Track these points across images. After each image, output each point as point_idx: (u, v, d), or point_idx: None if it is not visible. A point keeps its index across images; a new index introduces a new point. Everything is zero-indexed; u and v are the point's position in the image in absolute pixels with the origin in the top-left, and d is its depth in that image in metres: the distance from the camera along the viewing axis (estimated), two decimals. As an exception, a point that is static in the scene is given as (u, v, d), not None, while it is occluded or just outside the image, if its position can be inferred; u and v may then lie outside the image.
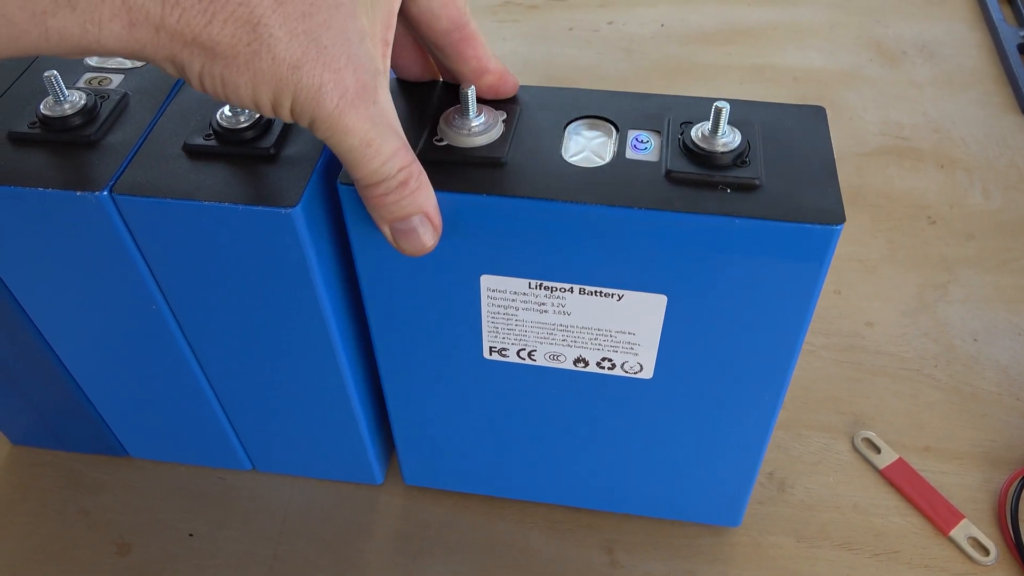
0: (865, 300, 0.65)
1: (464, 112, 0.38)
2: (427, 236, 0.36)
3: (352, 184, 0.37)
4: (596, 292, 0.39)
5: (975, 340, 0.62)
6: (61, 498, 0.56)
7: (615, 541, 0.52)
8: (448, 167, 0.37)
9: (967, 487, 0.54)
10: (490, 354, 0.43)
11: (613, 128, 0.39)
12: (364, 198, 0.35)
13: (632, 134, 0.39)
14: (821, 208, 0.35)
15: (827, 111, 0.40)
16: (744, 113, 0.39)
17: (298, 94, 0.30)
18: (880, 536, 0.52)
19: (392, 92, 0.41)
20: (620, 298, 0.39)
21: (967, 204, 0.72)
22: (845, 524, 0.53)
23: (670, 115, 0.39)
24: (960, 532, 0.52)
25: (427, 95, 0.41)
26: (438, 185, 0.36)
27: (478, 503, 0.55)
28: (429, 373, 0.45)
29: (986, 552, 0.51)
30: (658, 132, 0.38)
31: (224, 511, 0.55)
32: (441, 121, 0.39)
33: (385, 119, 0.32)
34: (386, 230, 0.36)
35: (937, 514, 0.53)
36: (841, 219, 0.34)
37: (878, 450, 0.56)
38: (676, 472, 0.49)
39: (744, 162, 0.36)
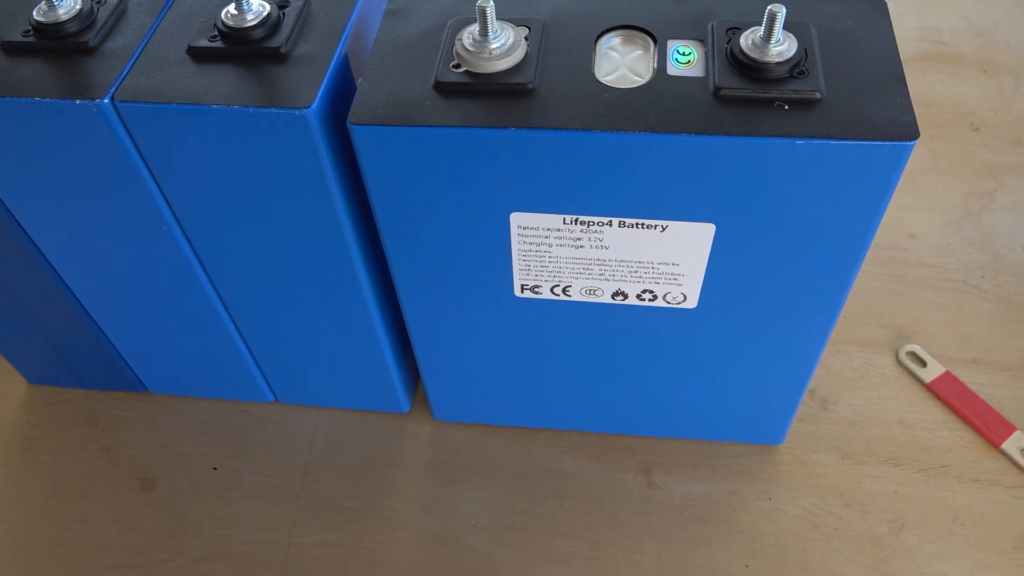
0: (906, 211, 0.62)
1: (483, 31, 0.33)
2: None
3: (366, 124, 0.33)
4: (637, 224, 0.36)
5: (1024, 249, 0.60)
6: (81, 435, 0.55)
7: (652, 463, 0.51)
8: (470, 97, 0.33)
9: (1019, 399, 0.52)
10: (522, 292, 0.41)
11: (650, 40, 0.35)
12: None
13: (672, 45, 0.34)
14: (891, 121, 0.31)
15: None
16: (795, 13, 0.35)
17: None
18: (928, 451, 0.50)
19: (398, 9, 0.37)
20: (664, 229, 0.36)
21: (1013, 109, 0.68)
22: (891, 440, 0.51)
23: (713, 20, 0.35)
24: (1012, 444, 0.50)
25: (437, 11, 0.37)
26: (460, 119, 0.33)
27: (509, 428, 0.53)
28: (456, 312, 0.43)
29: (1040, 464, 0.49)
30: (701, 41, 0.34)
31: (248, 444, 0.53)
32: (457, 44, 0.34)
33: None
34: None
35: (988, 427, 0.51)
36: (914, 134, 0.31)
37: (924, 364, 0.54)
38: (720, 396, 0.47)
39: (801, 72, 0.32)
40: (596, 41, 0.35)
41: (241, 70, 0.36)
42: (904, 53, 0.73)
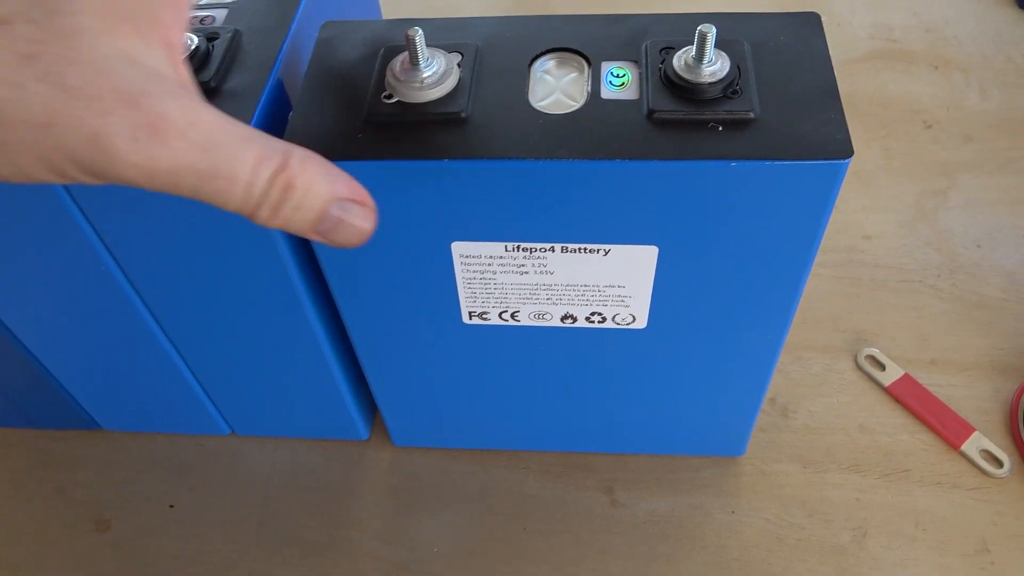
0: (862, 213, 0.62)
1: (413, 60, 0.33)
2: (360, 220, 0.28)
3: None
4: (580, 249, 0.35)
5: (978, 246, 0.60)
6: (35, 478, 0.53)
7: (614, 480, 0.50)
8: (401, 129, 0.33)
9: (977, 399, 0.52)
10: (470, 319, 0.40)
11: (584, 62, 0.35)
12: (261, 224, 0.27)
13: (606, 68, 0.34)
14: (825, 139, 0.31)
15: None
16: (729, 30, 0.35)
17: (75, 155, 0.22)
18: (889, 455, 0.50)
19: (330, 39, 0.37)
20: (607, 253, 0.36)
21: (964, 105, 0.68)
22: (852, 446, 0.51)
23: (647, 41, 0.35)
24: (972, 445, 0.50)
25: (369, 40, 0.36)
26: (393, 152, 0.32)
27: (469, 452, 0.52)
28: (406, 341, 0.42)
29: (999, 464, 0.49)
30: (635, 63, 0.34)
31: (205, 479, 0.52)
32: (388, 74, 0.33)
33: (216, 134, 0.24)
34: (313, 237, 0.28)
35: (947, 428, 0.51)
36: (848, 152, 0.30)
37: (883, 367, 0.54)
38: (676, 412, 0.46)
39: (735, 92, 0.32)
40: (530, 66, 0.35)
41: (168, 109, 0.35)
42: (856, 51, 0.74)
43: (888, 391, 0.53)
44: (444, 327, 0.41)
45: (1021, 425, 0.50)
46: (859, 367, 0.54)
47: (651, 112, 0.32)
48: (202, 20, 0.39)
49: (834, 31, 0.75)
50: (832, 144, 0.31)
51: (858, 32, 0.75)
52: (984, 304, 0.57)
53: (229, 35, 0.37)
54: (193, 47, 0.36)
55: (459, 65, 0.34)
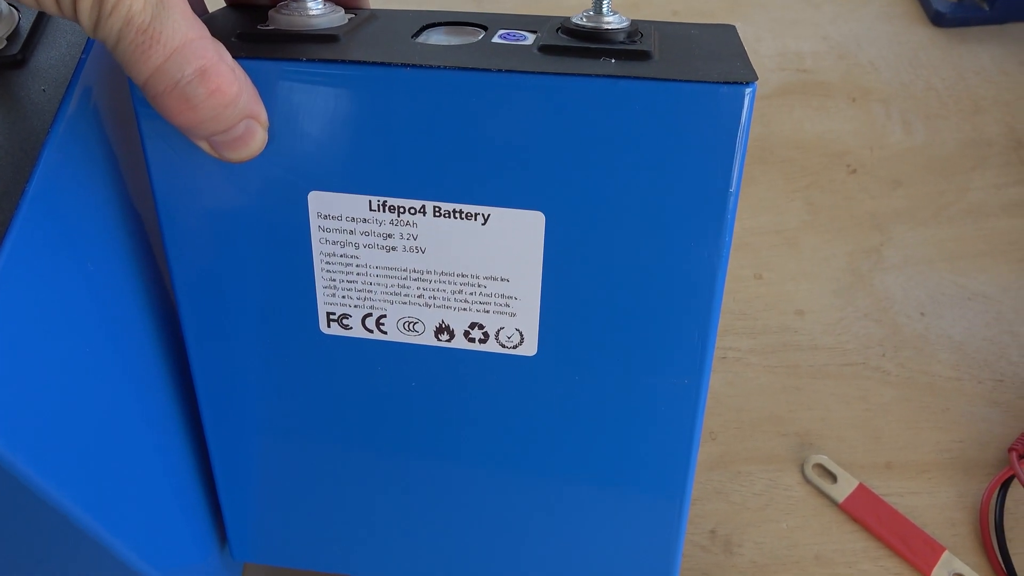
0: (791, 282, 0.55)
1: None
2: (257, 136, 0.28)
3: None
4: (455, 212, 0.31)
5: (922, 314, 0.53)
6: None
7: (536, 663, 0.41)
8: (271, 42, 0.29)
9: (941, 507, 0.45)
10: (328, 325, 0.33)
11: (482, 30, 0.32)
12: (158, 107, 0.26)
13: (502, 31, 0.32)
14: (727, 72, 0.27)
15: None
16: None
17: None
18: (852, 592, 0.43)
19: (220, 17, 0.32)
20: (486, 220, 0.31)
21: (888, 143, 0.62)
22: (809, 583, 0.43)
23: (551, 22, 0.32)
24: (943, 570, 0.43)
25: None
26: (251, 52, 0.29)
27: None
28: (252, 368, 0.35)
29: (976, 591, 0.43)
30: (535, 32, 0.31)
31: None
32: (271, 12, 0.31)
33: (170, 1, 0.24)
34: (203, 144, 0.28)
35: (913, 551, 0.44)
36: (752, 77, 0.27)
37: (834, 478, 0.47)
38: (589, 502, 0.37)
39: (634, 42, 0.29)
40: (424, 28, 0.32)
41: None
42: (766, 86, 0.66)
43: (842, 508, 0.46)
44: (299, 338, 0.34)
45: (995, 537, 0.44)
46: (807, 479, 0.47)
47: (543, 47, 0.29)
48: None
49: (740, 61, 0.68)
50: (735, 75, 0.27)
51: (765, 62, 0.68)
52: (935, 387, 0.50)
53: None
54: None
55: (351, 20, 0.32)
